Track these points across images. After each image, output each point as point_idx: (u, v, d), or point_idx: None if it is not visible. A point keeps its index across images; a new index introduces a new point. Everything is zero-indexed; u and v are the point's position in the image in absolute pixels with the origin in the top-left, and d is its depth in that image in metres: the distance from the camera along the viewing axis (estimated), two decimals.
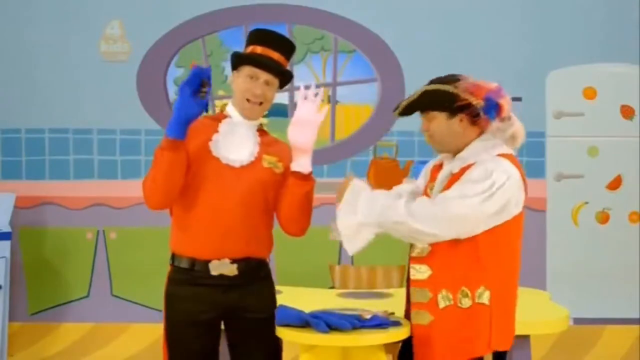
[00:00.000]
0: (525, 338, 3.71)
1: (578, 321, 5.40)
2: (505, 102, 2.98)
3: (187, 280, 3.07)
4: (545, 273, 5.73)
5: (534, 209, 5.72)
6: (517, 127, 3.05)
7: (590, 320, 5.67)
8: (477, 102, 2.94)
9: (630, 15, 5.73)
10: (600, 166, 5.77)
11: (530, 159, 5.72)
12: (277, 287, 4.14)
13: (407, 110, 3.08)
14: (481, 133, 3.02)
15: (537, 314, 3.87)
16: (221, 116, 3.16)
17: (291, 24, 5.79)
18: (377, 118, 5.73)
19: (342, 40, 5.79)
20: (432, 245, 2.93)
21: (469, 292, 2.90)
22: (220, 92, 5.75)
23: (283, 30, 5.78)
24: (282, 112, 5.70)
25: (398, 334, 3.02)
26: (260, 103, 3.12)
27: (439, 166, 3.13)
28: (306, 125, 3.08)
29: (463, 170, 2.96)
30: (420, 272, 2.96)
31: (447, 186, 2.96)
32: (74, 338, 5.74)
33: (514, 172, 2.95)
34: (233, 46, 5.76)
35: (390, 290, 4.42)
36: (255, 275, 3.15)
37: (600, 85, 5.77)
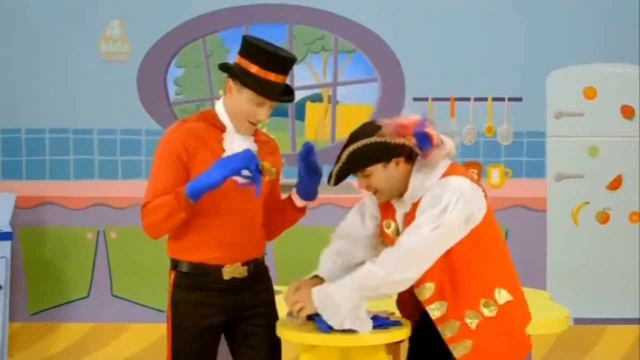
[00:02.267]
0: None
1: (578, 321, 5.40)
2: (432, 130, 2.93)
3: (196, 285, 3.05)
4: (545, 273, 5.73)
5: (534, 209, 5.72)
6: (449, 145, 2.99)
7: (591, 320, 5.67)
8: (408, 140, 2.92)
9: (630, 15, 5.72)
10: (601, 166, 5.77)
11: (531, 159, 5.72)
12: (277, 287, 4.15)
13: (341, 176, 3.02)
14: (412, 166, 2.99)
15: (537, 314, 3.85)
16: (214, 120, 3.09)
17: (291, 24, 5.79)
18: (377, 118, 5.71)
19: (342, 40, 5.79)
20: (433, 281, 2.92)
21: (489, 301, 2.92)
22: (221, 92, 5.73)
23: (283, 30, 5.79)
24: (282, 112, 5.70)
25: (398, 334, 3.02)
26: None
27: (388, 204, 3.09)
28: None
29: (415, 206, 2.95)
30: (439, 310, 2.95)
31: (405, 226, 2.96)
32: (74, 338, 5.74)
33: (462, 183, 2.93)
34: (233, 46, 5.76)
35: None
36: (259, 273, 3.17)
37: (600, 85, 5.77)
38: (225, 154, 3.02)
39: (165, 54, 5.77)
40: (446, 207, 2.86)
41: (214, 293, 3.05)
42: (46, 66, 5.73)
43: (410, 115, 2.98)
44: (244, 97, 3.01)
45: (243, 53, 3.03)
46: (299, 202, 3.20)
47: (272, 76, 2.98)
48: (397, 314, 3.18)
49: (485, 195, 3.00)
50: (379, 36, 5.74)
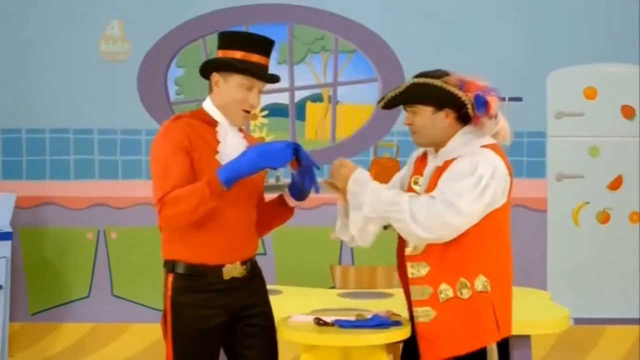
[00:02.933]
0: (525, 338, 3.71)
1: (578, 321, 5.40)
2: (493, 100, 2.96)
3: (196, 287, 3.03)
4: (545, 273, 5.73)
5: (535, 209, 5.72)
6: (502, 125, 3.03)
7: (591, 320, 5.67)
8: (467, 98, 2.94)
9: (630, 15, 5.72)
10: (601, 166, 5.77)
11: (531, 159, 5.72)
12: (277, 287, 4.16)
13: (393, 103, 3.07)
14: (463, 127, 3.02)
15: (537, 314, 3.87)
16: (206, 117, 3.09)
17: (291, 24, 5.79)
18: (377, 118, 5.73)
19: (342, 40, 5.79)
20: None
21: (467, 283, 2.92)
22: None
23: (283, 30, 5.79)
24: (282, 112, 5.70)
25: (399, 334, 3.03)
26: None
27: (423, 157, 3.14)
28: None
29: (447, 163, 2.97)
30: (419, 269, 2.97)
31: (433, 181, 2.98)
32: (74, 338, 5.74)
33: (499, 162, 2.95)
34: None
35: (391, 290, 4.41)
36: (255, 273, 3.16)
37: (600, 85, 5.77)
38: (219, 147, 3.03)
39: (165, 54, 5.77)
40: (481, 178, 2.87)
41: (215, 294, 3.03)
42: (46, 66, 5.74)
43: (481, 78, 3.01)
44: (233, 85, 3.03)
45: (224, 45, 3.08)
46: (291, 201, 3.18)
47: (255, 57, 3.03)
48: (400, 314, 3.18)
49: (511, 188, 3.00)
50: (379, 36, 5.74)
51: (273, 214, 3.24)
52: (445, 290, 2.92)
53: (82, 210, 5.76)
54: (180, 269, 3.04)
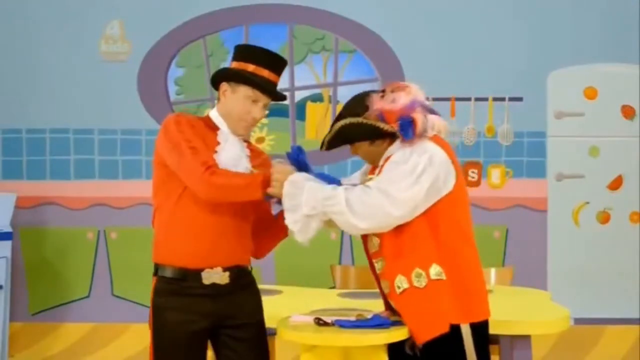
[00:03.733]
0: (525, 338, 3.71)
1: (579, 321, 5.40)
2: (418, 117, 2.94)
3: (176, 290, 3.03)
4: (546, 273, 5.73)
5: (535, 209, 5.72)
6: (437, 123, 3.00)
7: (591, 320, 5.67)
8: (390, 127, 2.96)
9: (630, 15, 5.73)
10: (601, 166, 5.77)
11: (531, 159, 5.72)
12: (277, 287, 4.15)
13: (331, 146, 3.13)
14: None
15: (537, 314, 3.87)
16: (210, 123, 3.11)
17: (291, 24, 5.79)
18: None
19: (342, 40, 5.79)
20: (379, 237, 2.98)
21: (422, 272, 2.93)
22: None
23: (283, 30, 5.80)
24: (282, 112, 5.70)
25: (399, 334, 3.02)
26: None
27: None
28: None
29: (386, 160, 3.00)
30: (379, 265, 3.03)
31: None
32: (74, 338, 5.74)
33: (437, 150, 2.95)
34: (233, 46, 5.76)
35: None
36: (243, 282, 3.13)
37: (601, 85, 5.77)
38: (218, 148, 3.05)
39: (165, 54, 5.77)
40: (416, 165, 2.89)
41: (195, 299, 3.02)
42: (46, 66, 5.74)
43: (403, 95, 3.02)
44: (240, 96, 3.06)
45: (238, 57, 3.12)
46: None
47: (266, 72, 3.07)
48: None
49: (458, 174, 3.00)
50: (379, 36, 5.74)
51: (274, 228, 3.20)
52: (401, 282, 2.95)
53: (82, 210, 5.76)
54: (163, 272, 3.07)
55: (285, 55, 5.77)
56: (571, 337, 5.42)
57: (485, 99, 5.71)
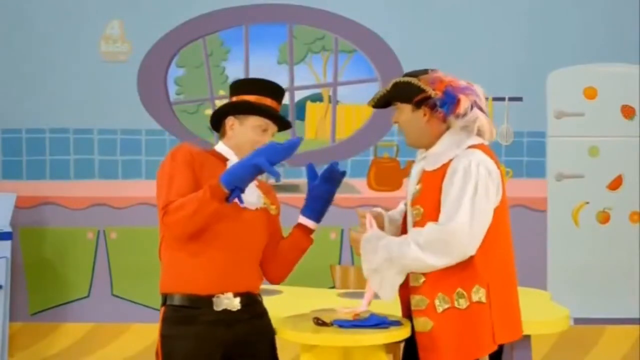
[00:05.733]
0: (525, 338, 3.70)
1: (578, 321, 5.40)
2: (465, 99, 2.94)
3: (186, 319, 2.97)
4: (545, 273, 5.73)
5: (535, 209, 5.72)
6: (483, 122, 3.01)
7: (591, 320, 5.67)
8: (435, 93, 2.94)
9: (630, 15, 5.73)
10: (601, 166, 5.77)
11: (531, 159, 5.72)
12: (277, 287, 4.15)
13: (379, 102, 3.11)
14: (448, 128, 3.02)
15: (537, 313, 3.87)
16: (217, 155, 3.11)
17: (291, 24, 5.79)
18: (377, 118, 5.73)
19: (342, 40, 5.79)
20: None
21: (464, 293, 2.90)
22: (221, 92, 5.75)
23: (283, 30, 5.80)
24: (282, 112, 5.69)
25: (398, 334, 3.02)
26: None
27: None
28: None
29: (442, 168, 2.94)
30: (416, 279, 2.96)
31: (426, 185, 2.97)
32: (74, 338, 5.74)
33: (489, 163, 2.95)
34: (233, 46, 5.77)
35: None
36: (256, 311, 3.09)
37: (600, 85, 5.77)
38: None
39: (165, 54, 5.77)
40: (477, 183, 2.87)
41: (205, 326, 2.97)
42: (46, 66, 5.74)
43: (462, 79, 3.06)
44: (248, 126, 3.08)
45: (237, 91, 3.15)
46: (310, 223, 3.17)
47: (268, 101, 3.11)
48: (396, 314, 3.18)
49: (503, 185, 2.99)
50: (379, 36, 5.74)
51: (292, 246, 3.19)
52: (443, 301, 2.91)
53: (82, 210, 5.76)
54: (172, 301, 3.00)
55: (285, 55, 5.81)
56: (571, 337, 5.42)
57: (485, 99, 5.70)
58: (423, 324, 2.94)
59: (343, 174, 3.14)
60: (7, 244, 5.31)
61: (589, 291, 5.71)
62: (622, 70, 5.75)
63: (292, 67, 5.77)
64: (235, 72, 5.74)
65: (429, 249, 2.86)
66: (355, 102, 5.80)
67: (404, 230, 3.14)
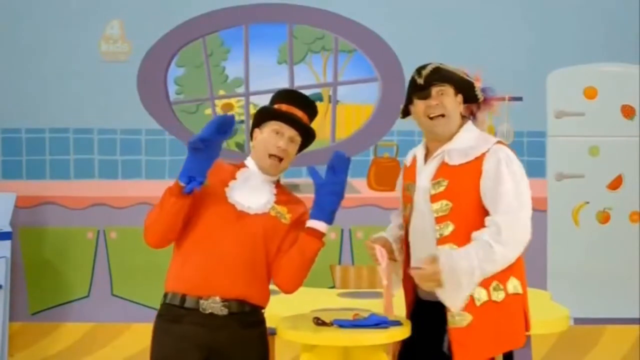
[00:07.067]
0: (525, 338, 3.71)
1: (578, 321, 5.40)
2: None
3: (175, 317, 3.00)
4: (545, 273, 5.73)
5: (535, 208, 5.68)
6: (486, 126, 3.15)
7: (591, 320, 5.67)
8: (477, 84, 3.01)
9: (630, 15, 5.73)
10: (601, 166, 5.77)
11: (531, 159, 5.72)
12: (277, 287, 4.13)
13: (427, 80, 3.07)
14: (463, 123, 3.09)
15: (537, 313, 3.85)
16: (241, 165, 3.17)
17: (291, 24, 5.79)
18: (377, 118, 5.73)
19: (342, 40, 5.79)
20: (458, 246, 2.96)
21: (500, 285, 2.95)
22: (221, 92, 5.75)
23: (283, 30, 5.80)
24: None
25: (398, 334, 3.03)
26: (281, 160, 3.09)
27: (412, 165, 3.17)
28: None
29: (477, 161, 2.97)
30: None
31: (454, 181, 2.99)
32: (74, 338, 5.74)
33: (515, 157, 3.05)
34: (233, 46, 5.77)
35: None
36: (247, 320, 3.04)
37: (601, 85, 5.77)
38: (231, 182, 3.07)
39: (165, 54, 5.77)
40: (522, 176, 3.00)
41: (191, 327, 2.98)
42: (46, 66, 5.74)
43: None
44: (266, 132, 3.12)
45: (271, 102, 3.21)
46: (315, 224, 3.06)
47: (284, 106, 3.14)
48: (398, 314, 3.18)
49: None
50: (379, 36, 5.74)
51: (302, 252, 3.09)
52: (480, 294, 2.93)
53: (82, 210, 5.76)
54: (165, 299, 3.07)
55: (285, 55, 5.81)
56: (571, 337, 5.42)
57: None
58: (460, 319, 2.94)
59: (349, 159, 3.10)
60: (7, 244, 5.31)
61: (589, 291, 5.71)
62: (622, 70, 5.75)
63: (292, 67, 5.77)
64: (235, 72, 5.74)
65: (510, 243, 2.95)
66: (355, 102, 5.80)
67: (405, 236, 3.15)
